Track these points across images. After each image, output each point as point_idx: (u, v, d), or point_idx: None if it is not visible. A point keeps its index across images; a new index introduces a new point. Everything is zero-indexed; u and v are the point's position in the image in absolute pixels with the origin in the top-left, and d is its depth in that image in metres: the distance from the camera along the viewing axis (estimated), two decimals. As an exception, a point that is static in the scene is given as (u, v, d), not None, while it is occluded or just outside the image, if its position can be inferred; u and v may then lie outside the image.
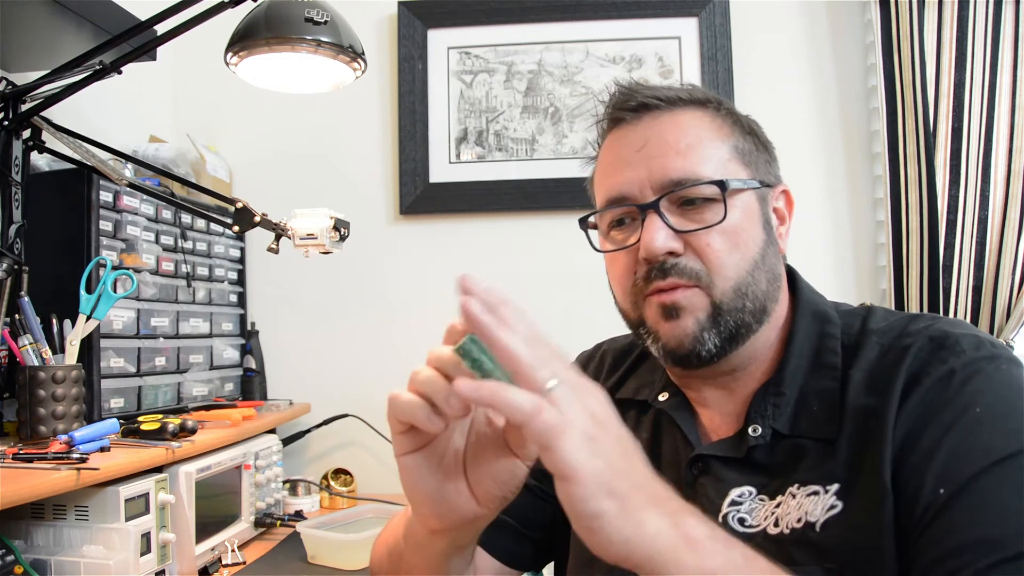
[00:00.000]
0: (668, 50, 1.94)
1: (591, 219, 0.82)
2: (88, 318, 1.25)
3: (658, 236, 0.72)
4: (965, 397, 0.64)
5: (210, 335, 1.72)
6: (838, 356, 0.74)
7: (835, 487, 0.67)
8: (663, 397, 0.83)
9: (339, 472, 1.87)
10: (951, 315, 1.69)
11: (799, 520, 0.67)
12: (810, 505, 0.67)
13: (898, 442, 0.65)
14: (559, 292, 1.89)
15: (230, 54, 1.24)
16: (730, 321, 0.73)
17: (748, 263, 0.74)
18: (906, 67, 1.72)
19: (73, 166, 1.34)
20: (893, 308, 1.75)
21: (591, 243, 0.82)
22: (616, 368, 0.92)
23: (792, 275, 0.82)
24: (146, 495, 1.14)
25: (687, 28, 1.93)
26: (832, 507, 0.66)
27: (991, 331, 1.68)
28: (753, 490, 0.72)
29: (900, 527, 0.63)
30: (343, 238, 1.33)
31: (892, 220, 1.76)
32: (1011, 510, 0.59)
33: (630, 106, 0.78)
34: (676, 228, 0.73)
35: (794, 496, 0.69)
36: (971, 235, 1.69)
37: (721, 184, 0.73)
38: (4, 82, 1.27)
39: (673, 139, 0.75)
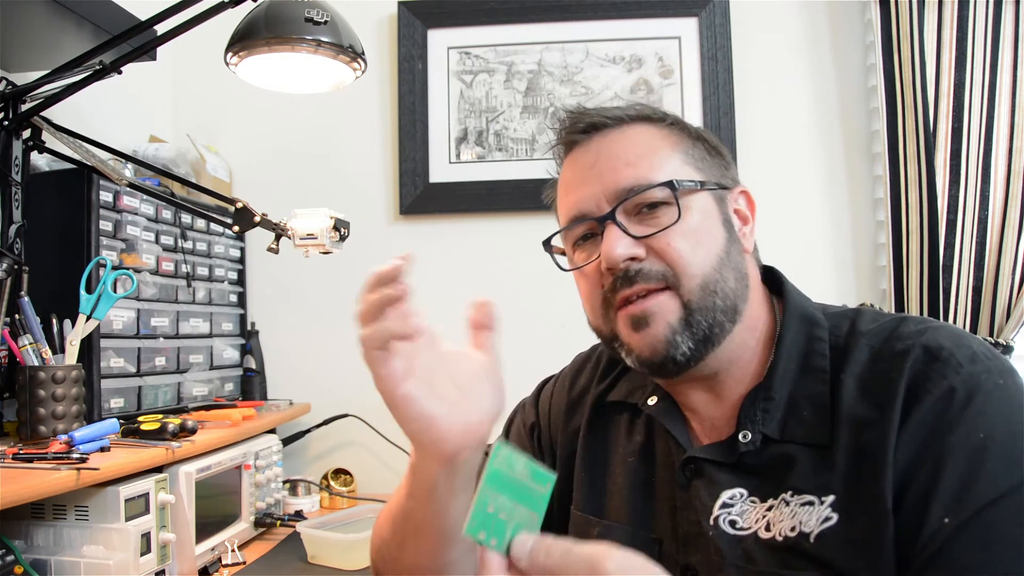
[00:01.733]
0: (668, 50, 1.94)
1: (558, 242, 0.84)
2: (88, 318, 1.25)
3: (618, 244, 0.73)
4: (968, 421, 0.64)
5: (210, 335, 1.72)
6: (827, 359, 0.73)
7: (830, 499, 0.67)
8: (652, 401, 0.83)
9: (339, 472, 1.87)
10: (951, 315, 1.69)
11: (792, 529, 0.67)
12: (804, 515, 0.67)
13: (900, 465, 0.64)
14: (559, 292, 1.87)
15: (230, 54, 1.24)
16: (703, 321, 0.72)
17: (713, 260, 0.74)
18: (906, 67, 1.72)
19: (73, 166, 1.34)
20: (893, 308, 1.75)
21: (557, 265, 0.84)
22: (610, 370, 0.92)
23: (778, 277, 0.82)
24: (146, 495, 1.14)
25: (687, 28, 1.93)
26: (827, 519, 0.66)
27: (991, 331, 1.68)
28: (744, 492, 0.72)
29: (899, 547, 0.63)
30: (343, 238, 1.33)
31: (892, 220, 1.76)
32: (1016, 547, 0.59)
33: (579, 128, 0.80)
34: (635, 235, 0.74)
35: (787, 503, 0.69)
36: (971, 235, 1.68)
37: (671, 184, 0.74)
38: (4, 82, 1.27)
39: (622, 152, 0.77)
